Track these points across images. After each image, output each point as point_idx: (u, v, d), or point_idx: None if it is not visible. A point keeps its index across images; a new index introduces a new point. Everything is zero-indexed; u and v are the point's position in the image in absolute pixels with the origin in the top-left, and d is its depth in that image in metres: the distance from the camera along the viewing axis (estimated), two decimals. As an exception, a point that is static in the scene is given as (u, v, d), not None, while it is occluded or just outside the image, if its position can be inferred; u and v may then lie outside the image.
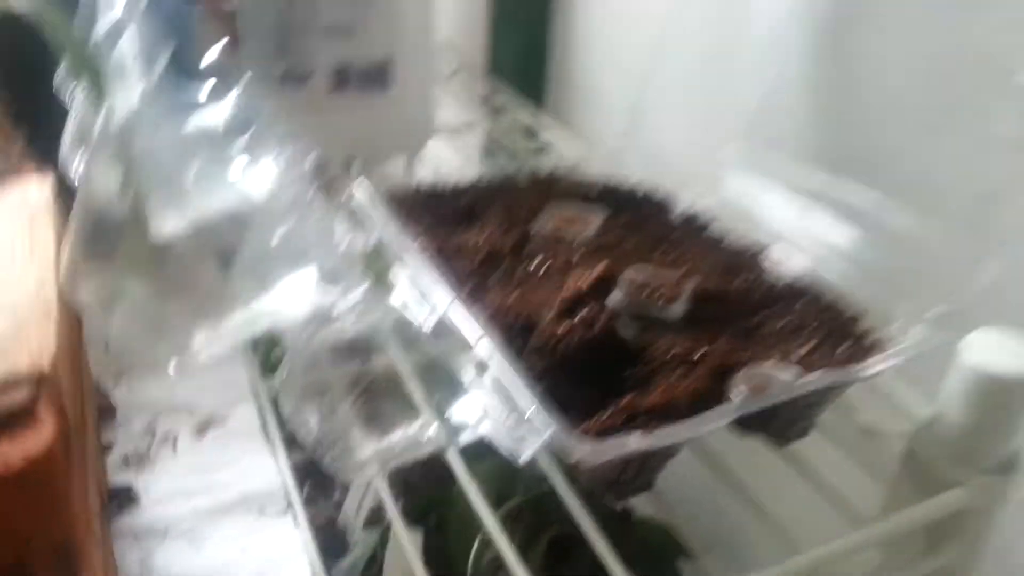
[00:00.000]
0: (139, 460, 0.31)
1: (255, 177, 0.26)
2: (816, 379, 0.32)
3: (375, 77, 0.57)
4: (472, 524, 0.61)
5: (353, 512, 0.67)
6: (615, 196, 0.47)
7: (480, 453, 0.70)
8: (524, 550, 0.57)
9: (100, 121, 0.23)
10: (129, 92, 0.24)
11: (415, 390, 0.29)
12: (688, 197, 0.47)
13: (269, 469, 0.33)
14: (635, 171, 0.50)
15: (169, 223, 0.25)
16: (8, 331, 0.20)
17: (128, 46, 0.25)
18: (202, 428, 0.34)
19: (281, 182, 0.27)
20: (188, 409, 0.33)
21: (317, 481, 0.69)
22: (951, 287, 0.37)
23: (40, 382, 0.19)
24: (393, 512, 0.33)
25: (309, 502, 0.33)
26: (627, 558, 0.31)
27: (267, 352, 0.39)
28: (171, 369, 0.23)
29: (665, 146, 0.54)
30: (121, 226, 0.24)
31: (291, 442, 0.35)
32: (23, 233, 0.24)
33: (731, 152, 0.50)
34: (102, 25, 0.25)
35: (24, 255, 0.23)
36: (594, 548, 0.31)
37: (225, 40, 0.36)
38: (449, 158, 0.65)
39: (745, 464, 0.37)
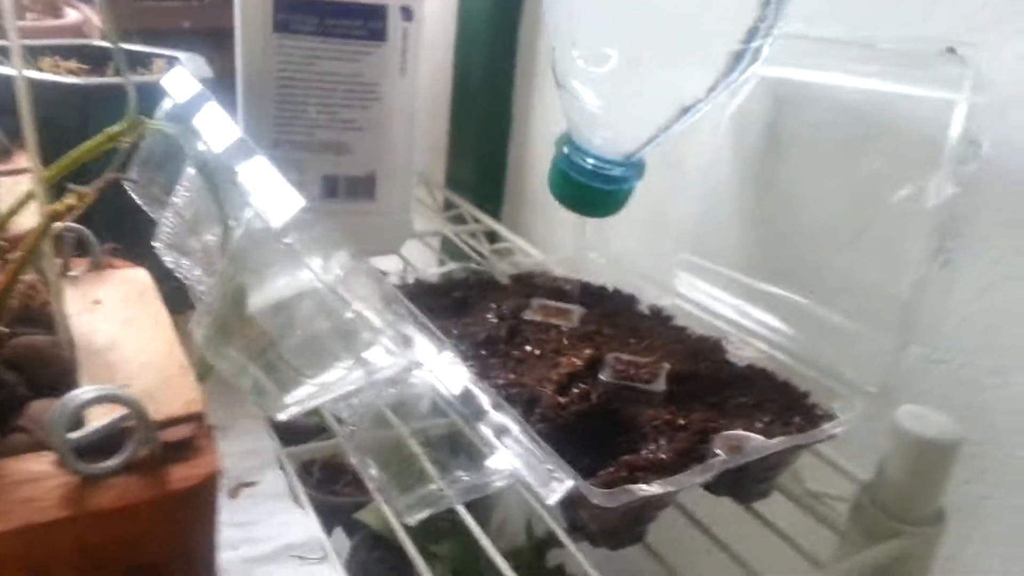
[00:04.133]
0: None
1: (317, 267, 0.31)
2: (784, 441, 0.38)
3: (362, 187, 0.64)
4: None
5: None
6: (588, 292, 0.54)
7: (443, 531, 0.72)
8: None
9: (227, 233, 0.28)
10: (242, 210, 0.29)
11: (443, 452, 0.34)
12: (650, 295, 0.54)
13: (300, 524, 0.36)
14: (593, 276, 0.57)
15: (256, 301, 0.29)
16: (157, 383, 0.23)
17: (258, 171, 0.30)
18: (235, 491, 0.37)
19: (345, 269, 0.32)
20: (221, 475, 0.37)
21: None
22: (880, 369, 0.44)
23: (198, 419, 0.23)
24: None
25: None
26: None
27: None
28: (280, 417, 0.27)
29: (622, 254, 0.61)
30: (225, 310, 0.29)
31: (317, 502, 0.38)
32: (139, 308, 0.28)
33: (681, 260, 0.57)
34: (213, 147, 0.31)
35: (148, 323, 0.27)
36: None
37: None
38: (416, 259, 0.71)
39: (717, 523, 0.43)
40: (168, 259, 0.31)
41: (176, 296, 0.30)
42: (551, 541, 0.66)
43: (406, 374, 0.29)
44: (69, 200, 0.24)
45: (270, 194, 0.27)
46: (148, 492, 0.20)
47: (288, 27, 0.57)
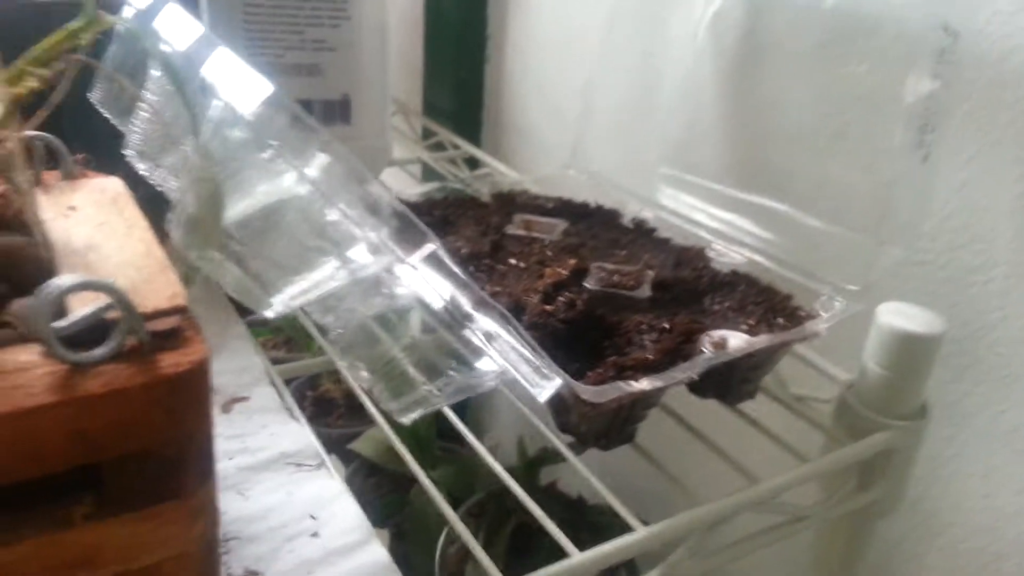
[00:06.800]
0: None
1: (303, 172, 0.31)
2: (767, 338, 0.38)
3: (336, 111, 0.62)
4: (434, 522, 0.65)
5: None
6: (571, 208, 0.53)
7: (437, 458, 0.73)
8: (488, 542, 0.62)
9: (200, 131, 0.28)
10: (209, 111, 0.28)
11: (436, 352, 0.33)
12: (632, 209, 0.54)
13: (294, 434, 0.36)
14: (577, 192, 0.57)
15: (236, 210, 0.29)
16: (138, 281, 0.23)
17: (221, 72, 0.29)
18: (227, 406, 0.37)
19: (329, 174, 0.31)
20: (213, 391, 0.37)
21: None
22: (860, 270, 0.45)
23: (182, 311, 0.22)
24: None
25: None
26: (580, 539, 0.35)
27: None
28: (271, 312, 0.27)
29: (603, 171, 0.60)
30: (201, 214, 0.28)
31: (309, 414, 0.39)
32: (113, 213, 0.28)
33: (662, 173, 0.57)
34: (179, 49, 0.30)
35: (123, 229, 0.27)
36: (551, 534, 0.35)
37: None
38: (399, 184, 0.70)
39: (705, 423, 0.43)
40: (141, 167, 0.30)
41: (154, 202, 0.30)
42: (543, 459, 0.67)
43: (391, 272, 0.29)
44: (29, 83, 0.23)
45: (239, 86, 0.27)
46: (138, 377, 0.20)
47: (252, -58, 0.55)
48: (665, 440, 0.42)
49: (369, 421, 0.77)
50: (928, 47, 0.41)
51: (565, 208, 0.54)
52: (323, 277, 0.28)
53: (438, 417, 0.42)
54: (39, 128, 0.30)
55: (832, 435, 0.42)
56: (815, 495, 0.43)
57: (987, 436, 0.46)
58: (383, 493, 0.76)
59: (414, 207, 0.51)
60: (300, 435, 0.35)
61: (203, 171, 0.26)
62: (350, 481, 0.80)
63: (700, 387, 0.43)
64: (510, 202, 0.53)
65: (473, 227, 0.49)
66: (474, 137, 0.83)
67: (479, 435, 0.43)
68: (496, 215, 0.50)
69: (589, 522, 0.62)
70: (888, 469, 0.41)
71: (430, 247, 0.27)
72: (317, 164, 0.33)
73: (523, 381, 0.32)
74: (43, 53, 0.26)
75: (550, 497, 0.65)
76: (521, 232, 0.48)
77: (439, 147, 0.79)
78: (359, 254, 0.30)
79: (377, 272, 0.29)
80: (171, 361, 0.20)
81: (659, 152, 0.59)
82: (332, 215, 0.30)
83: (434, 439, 0.77)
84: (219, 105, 0.29)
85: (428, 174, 0.80)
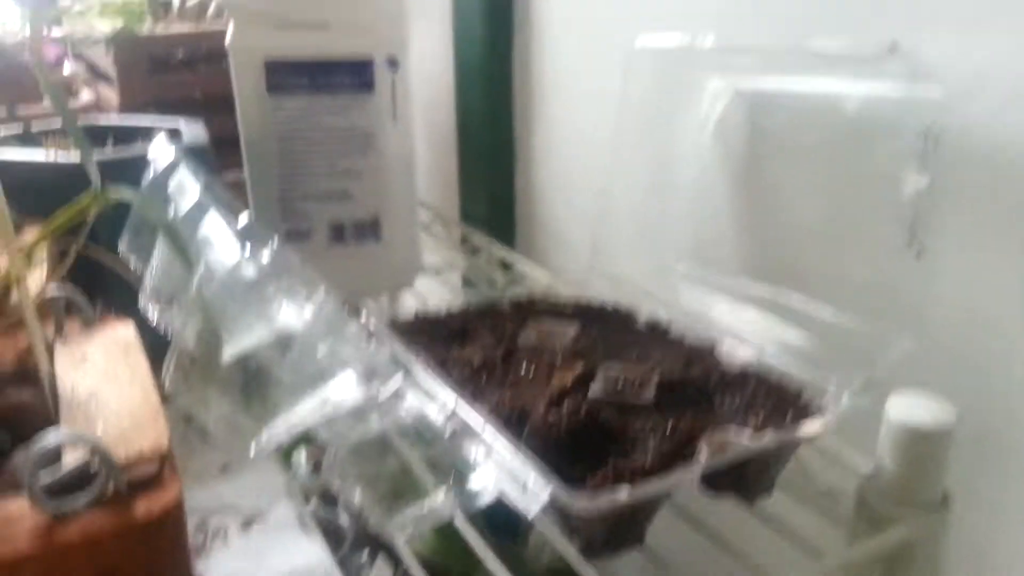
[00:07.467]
0: (197, 550, 0.36)
1: (291, 311, 0.33)
2: (767, 438, 0.38)
3: (368, 231, 0.66)
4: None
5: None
6: (587, 312, 0.55)
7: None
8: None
9: (195, 283, 0.31)
10: (214, 259, 0.31)
11: (430, 474, 0.35)
12: (649, 308, 0.55)
13: (308, 551, 0.38)
14: (600, 294, 0.58)
15: (230, 350, 0.31)
16: (131, 427, 0.26)
17: (213, 225, 0.32)
18: (247, 523, 0.39)
19: (319, 312, 0.34)
20: (234, 509, 0.39)
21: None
22: (871, 362, 0.44)
23: (163, 457, 0.25)
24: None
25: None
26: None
27: (287, 453, 0.45)
28: (252, 454, 0.29)
29: (624, 271, 0.62)
30: (201, 356, 0.31)
31: (324, 529, 0.40)
32: (121, 360, 0.31)
33: (680, 271, 0.58)
34: (183, 206, 0.33)
35: (127, 376, 0.29)
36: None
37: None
38: (437, 293, 0.73)
39: (725, 524, 0.43)
40: (151, 314, 0.33)
41: (161, 345, 0.33)
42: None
43: (374, 403, 0.30)
44: (40, 254, 0.26)
45: (226, 245, 0.30)
46: (113, 524, 0.22)
47: (281, 88, 0.60)
48: (681, 540, 0.42)
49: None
50: (906, 149, 0.42)
51: (582, 312, 0.55)
52: (308, 410, 0.30)
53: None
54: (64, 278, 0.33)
55: (853, 531, 0.41)
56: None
57: (1025, 528, 0.45)
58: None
59: (433, 321, 0.53)
60: (312, 551, 0.37)
61: (197, 318, 0.29)
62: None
63: (716, 487, 0.43)
64: (528, 309, 0.55)
65: (488, 336, 0.51)
66: (508, 240, 0.86)
67: (527, 527, 0.43)
68: (511, 322, 0.52)
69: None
70: (913, 564, 0.40)
71: (397, 381, 0.28)
72: (311, 299, 0.35)
73: (514, 496, 0.33)
74: (55, 225, 0.29)
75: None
76: (533, 340, 0.50)
77: (475, 252, 0.82)
78: (343, 387, 0.32)
79: (363, 401, 0.31)
80: (145, 507, 0.22)
81: (676, 251, 0.60)
82: (323, 348, 0.32)
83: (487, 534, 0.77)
84: (217, 259, 0.31)
85: (467, 280, 0.83)
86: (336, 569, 0.36)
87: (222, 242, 0.30)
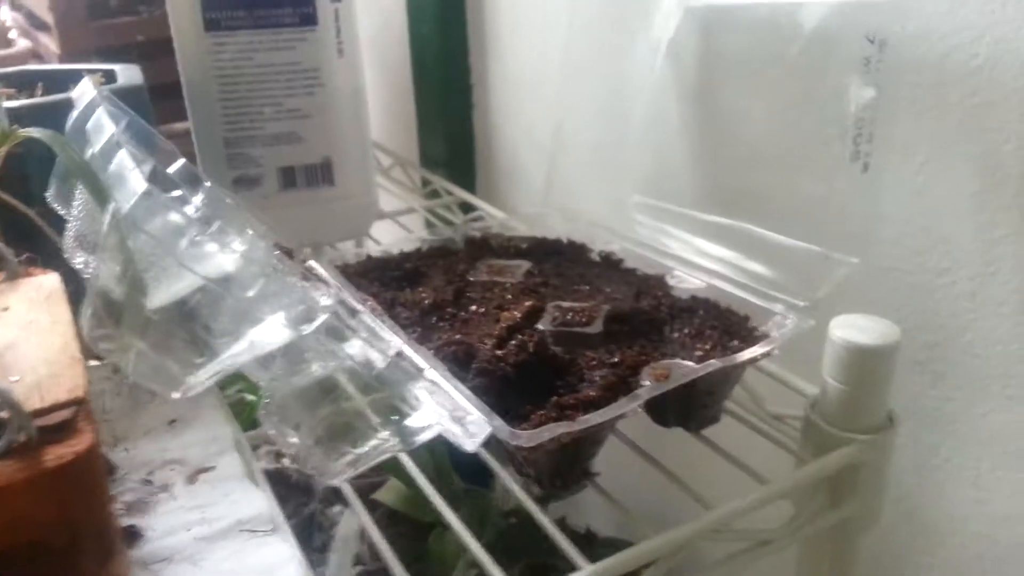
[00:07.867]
0: (141, 506, 0.36)
1: (225, 256, 0.32)
2: (708, 365, 0.38)
3: (319, 174, 0.65)
4: (450, 565, 0.65)
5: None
6: (540, 247, 0.54)
7: (459, 499, 0.74)
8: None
9: (107, 222, 0.30)
10: (124, 200, 0.30)
11: (374, 415, 0.35)
12: (603, 241, 0.55)
13: (253, 501, 0.38)
14: (556, 229, 0.58)
15: (157, 297, 0.31)
16: (47, 375, 0.25)
17: (123, 162, 0.31)
18: (193, 476, 0.39)
19: (249, 256, 0.33)
20: (179, 462, 0.39)
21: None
22: (814, 284, 0.44)
23: (78, 404, 0.24)
24: (367, 519, 0.39)
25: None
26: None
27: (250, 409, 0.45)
28: (176, 396, 0.29)
29: (578, 205, 0.61)
30: (124, 301, 0.30)
31: (272, 477, 0.40)
32: (43, 310, 0.30)
33: (634, 202, 0.57)
34: (97, 146, 0.32)
35: (47, 325, 0.29)
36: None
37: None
38: (397, 236, 0.72)
39: (681, 457, 0.43)
40: (77, 261, 0.33)
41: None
42: (548, 496, 0.67)
43: (305, 344, 0.30)
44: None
45: (133, 185, 0.29)
46: (22, 472, 0.21)
47: (219, 24, 0.58)
48: (641, 480, 0.42)
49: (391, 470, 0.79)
50: (854, 58, 0.41)
51: (538, 247, 0.55)
52: (237, 352, 0.30)
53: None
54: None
55: (798, 454, 0.42)
56: (786, 510, 0.42)
57: (972, 441, 0.45)
58: (408, 543, 0.77)
59: (384, 262, 0.52)
60: (258, 501, 0.37)
61: (116, 262, 0.28)
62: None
63: (662, 417, 0.43)
64: (482, 247, 0.55)
65: (441, 276, 0.50)
66: (469, 183, 0.85)
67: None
68: (464, 262, 0.52)
69: (598, 555, 0.62)
70: (858, 484, 0.41)
71: (321, 318, 0.28)
72: (242, 242, 0.35)
73: (456, 433, 0.33)
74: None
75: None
76: (484, 277, 0.49)
77: (434, 195, 0.81)
78: (274, 329, 0.31)
79: (290, 342, 0.31)
80: (56, 454, 0.22)
81: (631, 182, 0.59)
82: (252, 292, 0.32)
83: (457, 481, 0.77)
84: (139, 196, 0.31)
85: (429, 223, 0.82)
86: (282, 519, 0.36)
87: (130, 182, 0.29)
